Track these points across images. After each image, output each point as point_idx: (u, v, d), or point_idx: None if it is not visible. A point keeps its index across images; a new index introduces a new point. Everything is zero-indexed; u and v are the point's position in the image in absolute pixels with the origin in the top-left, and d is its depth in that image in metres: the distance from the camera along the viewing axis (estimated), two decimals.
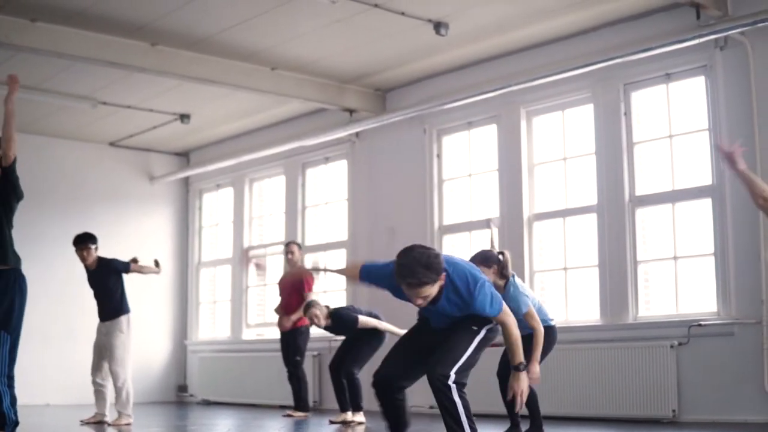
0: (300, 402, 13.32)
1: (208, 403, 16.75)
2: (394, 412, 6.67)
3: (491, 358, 12.11)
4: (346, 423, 11.59)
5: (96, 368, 11.69)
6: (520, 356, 6.43)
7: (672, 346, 10.71)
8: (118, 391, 11.52)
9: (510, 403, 9.31)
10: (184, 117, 15.69)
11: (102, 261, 11.78)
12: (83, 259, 11.73)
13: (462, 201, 13.56)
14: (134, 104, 15.02)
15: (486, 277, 6.43)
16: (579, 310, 12.04)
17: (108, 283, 11.71)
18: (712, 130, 10.87)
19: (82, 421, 11.65)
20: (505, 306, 6.34)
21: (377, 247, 14.01)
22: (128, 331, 11.68)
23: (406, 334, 6.96)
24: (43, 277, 15.01)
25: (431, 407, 6.57)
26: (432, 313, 6.47)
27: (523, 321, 8.13)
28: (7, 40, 11.40)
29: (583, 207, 12.01)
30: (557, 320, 10.05)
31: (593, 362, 11.33)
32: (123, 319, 11.66)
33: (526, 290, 8.66)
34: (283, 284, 13.73)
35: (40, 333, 15.15)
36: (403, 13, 11.19)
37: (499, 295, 6.34)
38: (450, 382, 6.17)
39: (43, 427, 11.68)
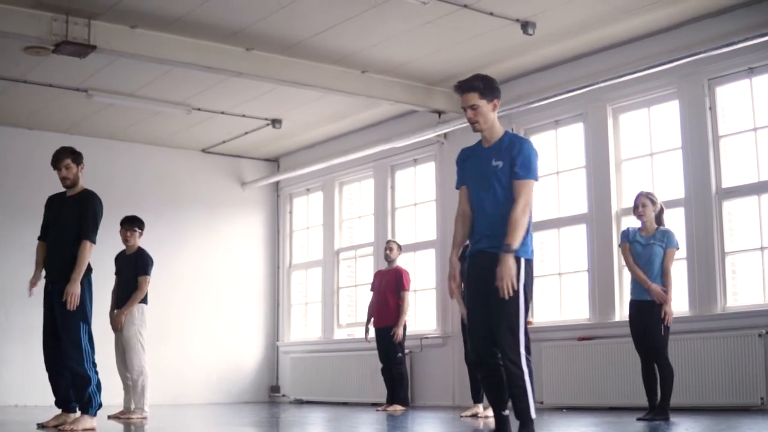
0: (398, 397, 13.57)
1: (300, 402, 17.05)
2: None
3: (596, 353, 12.40)
4: (475, 416, 11.61)
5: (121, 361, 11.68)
6: (514, 237, 6.18)
7: (760, 335, 10.80)
8: (133, 383, 11.48)
9: (650, 388, 9.71)
10: (275, 122, 16.05)
11: (140, 250, 11.85)
12: (125, 240, 11.86)
13: (551, 199, 13.72)
14: (227, 110, 15.41)
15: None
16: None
17: (134, 270, 11.70)
18: None
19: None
20: (533, 182, 6.32)
21: None
22: (141, 322, 11.61)
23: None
24: None
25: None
26: (475, 169, 6.73)
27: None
28: (108, 46, 11.78)
29: (671, 201, 12.05)
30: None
31: (683, 352, 11.39)
32: (134, 309, 11.59)
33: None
34: (377, 281, 14.07)
35: None
36: (491, 14, 11.38)
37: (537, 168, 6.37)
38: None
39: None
